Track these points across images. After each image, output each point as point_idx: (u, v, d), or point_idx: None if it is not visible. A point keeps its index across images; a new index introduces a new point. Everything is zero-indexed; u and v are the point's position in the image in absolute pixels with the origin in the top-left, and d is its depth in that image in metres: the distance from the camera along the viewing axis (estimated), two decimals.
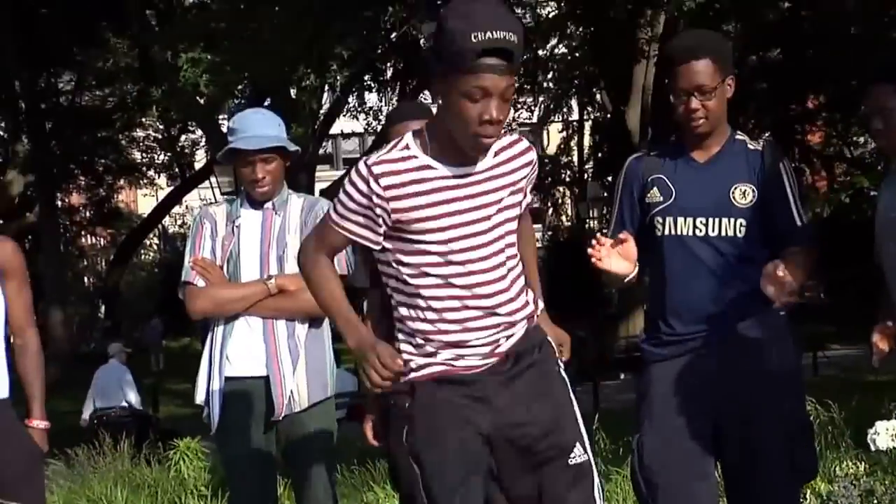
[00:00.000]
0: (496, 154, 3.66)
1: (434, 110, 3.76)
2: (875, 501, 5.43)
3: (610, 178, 31.92)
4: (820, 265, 4.50)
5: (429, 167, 3.59)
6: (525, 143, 3.76)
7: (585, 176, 39.68)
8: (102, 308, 45.93)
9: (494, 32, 3.36)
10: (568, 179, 41.46)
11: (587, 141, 40.88)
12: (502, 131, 3.63)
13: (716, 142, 4.49)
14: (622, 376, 24.14)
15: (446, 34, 3.42)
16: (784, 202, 4.41)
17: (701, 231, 4.40)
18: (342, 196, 3.60)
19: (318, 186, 28.63)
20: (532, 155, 3.76)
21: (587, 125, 40.23)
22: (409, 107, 5.12)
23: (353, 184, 3.57)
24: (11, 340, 5.06)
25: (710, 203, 4.41)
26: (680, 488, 4.37)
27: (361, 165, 3.59)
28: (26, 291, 5.00)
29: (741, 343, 4.37)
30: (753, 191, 4.40)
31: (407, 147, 3.62)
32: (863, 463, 6.41)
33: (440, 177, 3.59)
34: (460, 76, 3.42)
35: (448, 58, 3.43)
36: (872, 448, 6.26)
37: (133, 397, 18.38)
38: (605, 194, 32.62)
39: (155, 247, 54.45)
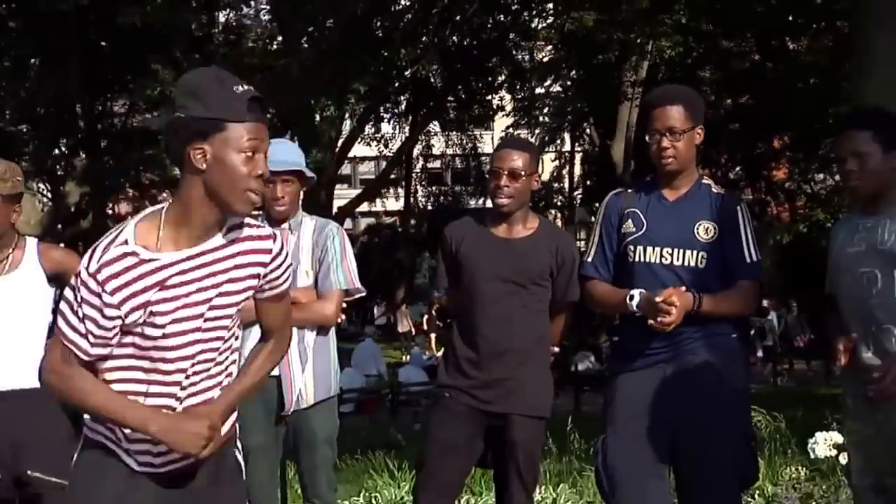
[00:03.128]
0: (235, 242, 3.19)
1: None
2: (813, 503, 5.41)
3: (597, 205, 31.94)
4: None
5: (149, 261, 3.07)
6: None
7: (575, 202, 39.68)
8: None
9: (247, 86, 3.06)
10: (559, 204, 41.44)
11: (577, 170, 40.90)
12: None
13: (685, 183, 4.54)
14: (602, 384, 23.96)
15: (210, 90, 3.02)
16: (738, 240, 4.47)
17: (667, 260, 4.45)
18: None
19: (336, 203, 28.69)
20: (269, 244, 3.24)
21: (577, 157, 40.26)
22: (513, 139, 5.21)
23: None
24: None
25: (676, 237, 4.45)
26: (635, 486, 4.39)
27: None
28: None
29: (696, 361, 4.40)
30: (715, 228, 4.45)
31: (125, 242, 3.06)
32: (804, 469, 6.41)
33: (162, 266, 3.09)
34: (230, 131, 3.01)
35: (220, 111, 3.00)
36: (812, 456, 6.27)
37: (382, 368, 21.19)
38: (592, 219, 32.62)
39: None
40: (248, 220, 3.23)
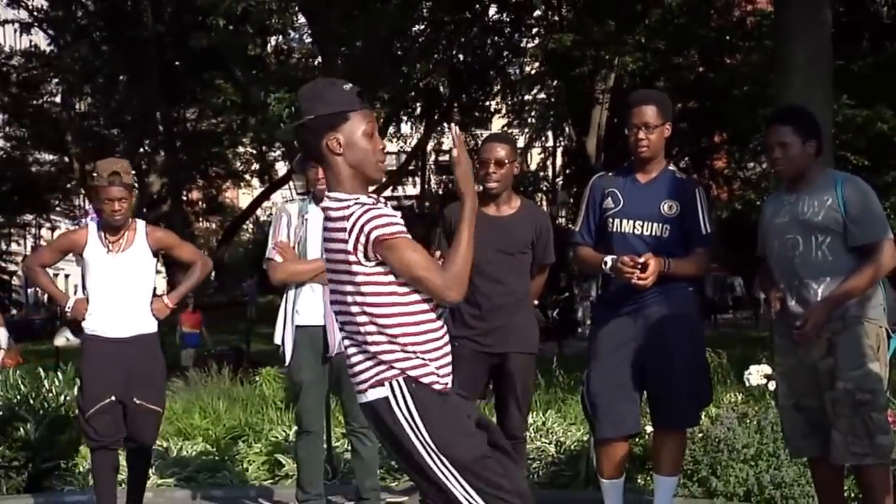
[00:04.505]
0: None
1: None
2: (747, 421, 5.46)
3: (575, 189, 31.91)
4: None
5: None
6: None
7: (557, 186, 39.57)
8: (213, 273, 46.03)
9: (349, 84, 3.11)
10: (544, 188, 41.32)
11: (558, 161, 40.77)
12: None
13: (654, 169, 4.54)
14: (580, 330, 24.19)
15: (329, 93, 3.07)
16: (695, 215, 4.48)
17: (638, 231, 4.46)
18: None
19: None
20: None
21: (558, 150, 40.13)
22: (496, 134, 5.21)
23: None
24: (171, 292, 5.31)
25: (646, 212, 4.46)
26: (613, 408, 4.41)
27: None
28: (185, 244, 5.37)
29: (659, 309, 4.42)
30: (677, 205, 4.46)
31: None
32: (741, 394, 6.44)
33: None
34: (352, 120, 3.06)
35: (341, 106, 3.06)
36: (747, 384, 6.31)
37: None
38: (571, 200, 32.56)
39: (250, 230, 54.39)
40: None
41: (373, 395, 3.00)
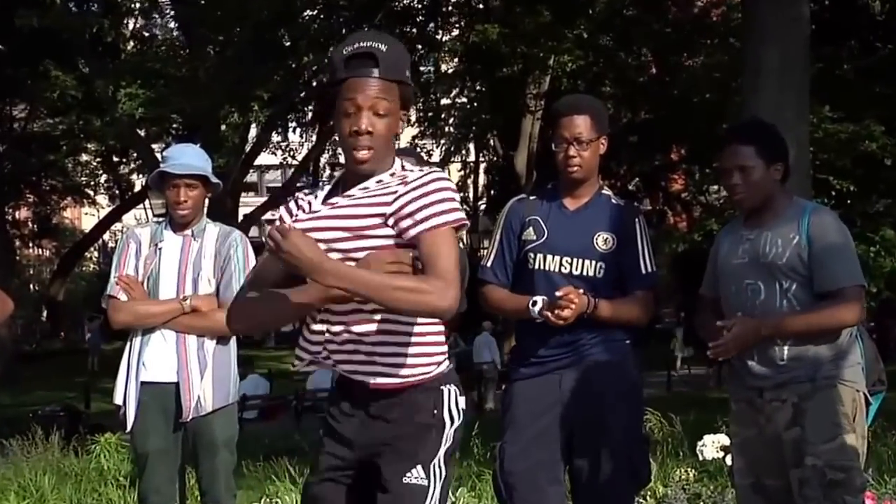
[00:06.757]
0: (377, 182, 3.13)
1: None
2: (701, 503, 5.52)
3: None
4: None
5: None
6: (401, 177, 3.13)
7: (479, 211, 39.83)
8: (45, 313, 45.30)
9: (358, 43, 3.03)
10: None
11: (482, 180, 41.08)
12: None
13: (586, 192, 4.53)
14: (503, 387, 24.25)
15: (330, 59, 3.10)
16: (634, 251, 4.47)
17: (566, 269, 4.43)
18: None
19: (242, 211, 28.53)
20: (400, 188, 3.09)
21: (482, 167, 40.44)
22: (403, 149, 5.19)
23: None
24: None
25: (576, 246, 4.44)
26: (533, 491, 4.38)
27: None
28: None
29: (590, 366, 4.40)
30: (613, 239, 4.44)
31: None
32: (693, 470, 6.52)
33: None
34: (337, 95, 3.02)
35: (330, 78, 3.07)
36: (700, 457, 6.40)
37: (496, 356, 22.62)
38: None
39: (95, 259, 53.61)
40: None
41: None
